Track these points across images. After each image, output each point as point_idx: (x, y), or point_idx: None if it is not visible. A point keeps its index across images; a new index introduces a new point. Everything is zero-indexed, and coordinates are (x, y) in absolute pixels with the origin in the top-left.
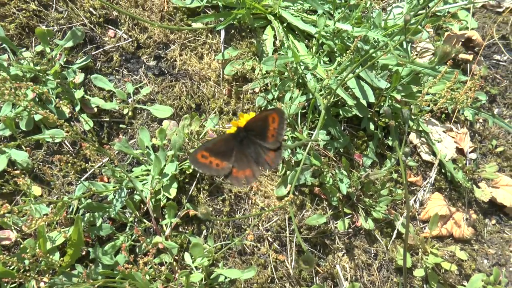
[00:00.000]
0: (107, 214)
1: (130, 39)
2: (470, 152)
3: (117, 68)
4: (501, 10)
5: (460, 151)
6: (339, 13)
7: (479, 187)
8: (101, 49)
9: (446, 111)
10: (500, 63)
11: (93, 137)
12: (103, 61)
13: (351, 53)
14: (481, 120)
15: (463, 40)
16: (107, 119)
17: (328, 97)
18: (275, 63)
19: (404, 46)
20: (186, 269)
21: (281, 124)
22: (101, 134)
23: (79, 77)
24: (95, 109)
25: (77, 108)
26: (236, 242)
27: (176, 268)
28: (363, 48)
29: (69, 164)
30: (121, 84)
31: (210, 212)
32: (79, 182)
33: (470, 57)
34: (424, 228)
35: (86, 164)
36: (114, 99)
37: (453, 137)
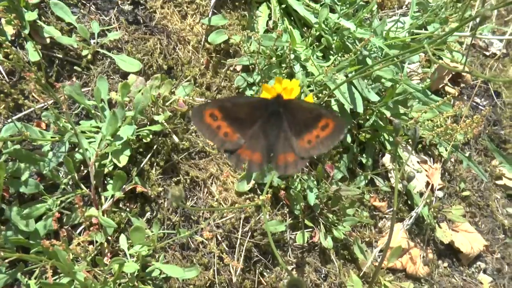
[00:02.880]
0: (37, 168)
1: None
2: (438, 189)
3: (84, 1)
4: (487, 53)
5: (429, 186)
6: (342, 9)
7: (440, 227)
8: None
9: (423, 142)
10: (479, 106)
11: (41, 71)
12: None
13: (354, 54)
14: (452, 160)
15: (454, 73)
16: (60, 55)
17: (321, 95)
18: (275, 43)
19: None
20: (119, 255)
21: (330, 140)
22: (49, 72)
23: None
24: (48, 40)
25: (25, 32)
26: (185, 235)
27: (106, 251)
28: (362, 53)
29: (1, 95)
30: (85, 20)
31: (182, 196)
32: (9, 120)
33: (456, 92)
34: (378, 256)
35: (25, 100)
36: (73, 34)
37: (426, 170)
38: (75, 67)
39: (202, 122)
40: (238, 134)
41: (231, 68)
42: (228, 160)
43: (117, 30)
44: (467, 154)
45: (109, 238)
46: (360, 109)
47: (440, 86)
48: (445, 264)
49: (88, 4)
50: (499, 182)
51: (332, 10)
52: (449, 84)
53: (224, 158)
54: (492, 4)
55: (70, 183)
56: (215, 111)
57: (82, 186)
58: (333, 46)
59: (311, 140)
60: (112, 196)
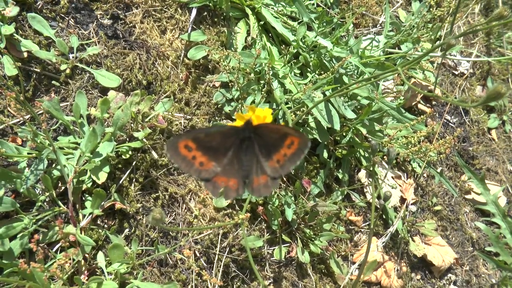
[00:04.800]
0: (12, 185)
1: None
2: (411, 204)
3: (63, 15)
4: (456, 72)
5: (402, 200)
6: (320, 27)
7: (414, 241)
8: None
9: (398, 159)
10: (450, 123)
11: (20, 86)
12: (47, 2)
13: (331, 74)
14: (425, 175)
15: (426, 91)
16: (38, 70)
17: (299, 112)
18: (255, 61)
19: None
20: (96, 273)
21: (296, 156)
22: (26, 86)
23: (12, 10)
24: (25, 54)
25: (1, 46)
26: (164, 252)
27: (84, 268)
28: (339, 71)
29: None
30: (64, 34)
31: (164, 218)
32: None
33: (428, 110)
34: (355, 270)
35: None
36: (52, 49)
37: (400, 185)
38: (53, 82)
39: (177, 154)
40: (214, 162)
41: (210, 84)
42: (205, 188)
43: (96, 45)
44: (439, 170)
45: (86, 255)
46: (337, 126)
47: (413, 104)
48: (418, 277)
49: (67, 18)
50: (468, 196)
51: (310, 28)
52: (421, 101)
53: None
54: (460, 26)
55: (47, 200)
56: (189, 142)
57: (60, 203)
58: (311, 63)
59: (279, 160)
60: (91, 213)
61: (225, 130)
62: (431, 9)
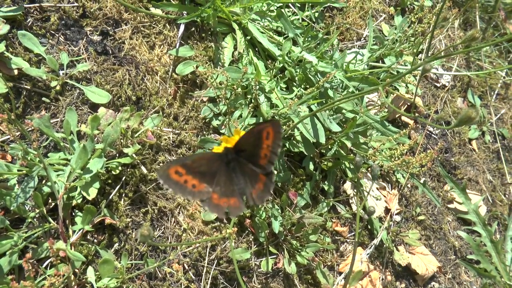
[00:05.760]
0: (2, 202)
1: (76, 4)
2: (395, 214)
3: (53, 32)
4: (438, 85)
5: (387, 211)
6: (305, 42)
7: (398, 250)
8: (37, 4)
9: (382, 171)
10: (432, 135)
11: (11, 104)
12: (37, 19)
13: (316, 89)
14: (409, 185)
15: (409, 104)
16: (28, 87)
17: (285, 127)
18: (242, 77)
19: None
20: (86, 287)
21: (276, 140)
22: (16, 103)
23: (3, 28)
24: (16, 72)
25: None
26: (153, 266)
27: (73, 283)
28: (324, 86)
29: None
30: (54, 51)
31: (152, 235)
32: None
33: (411, 122)
34: (341, 280)
35: None
36: (42, 66)
37: (384, 196)
38: (43, 98)
39: (169, 180)
40: (205, 184)
41: (198, 99)
42: (211, 212)
43: (86, 61)
44: (422, 181)
45: (76, 270)
46: (322, 139)
47: (397, 116)
48: (403, 285)
49: (57, 35)
50: (450, 205)
51: (295, 43)
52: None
53: None
54: (441, 40)
55: (37, 216)
56: (178, 168)
57: (50, 219)
58: (296, 78)
59: (266, 153)
60: (81, 229)
61: (209, 156)
62: (412, 25)
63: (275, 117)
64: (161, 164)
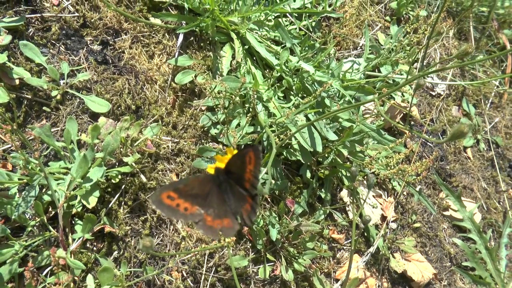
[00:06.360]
0: (3, 211)
1: (77, 14)
2: (392, 221)
3: (54, 42)
4: (433, 93)
5: (383, 218)
6: (302, 52)
7: (394, 257)
8: (39, 15)
9: (378, 179)
10: (428, 143)
11: (13, 113)
12: (38, 29)
13: (313, 98)
14: (405, 193)
15: (404, 112)
16: (29, 96)
17: (282, 136)
18: (240, 86)
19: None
20: None
21: (256, 166)
22: (17, 112)
23: (5, 39)
24: (17, 81)
25: None
26: (153, 273)
27: None
28: (321, 95)
29: None
30: (55, 60)
31: (153, 246)
32: None
33: (407, 131)
34: (338, 287)
35: None
36: (43, 75)
37: (380, 204)
38: (44, 108)
39: (162, 205)
40: (197, 206)
41: (197, 108)
42: (203, 233)
43: (86, 70)
44: (418, 189)
45: (76, 278)
46: (319, 148)
47: (393, 124)
48: None
49: (57, 44)
50: (446, 213)
51: (293, 52)
52: (401, 122)
53: None
54: (436, 49)
55: (37, 224)
56: (170, 193)
57: (50, 227)
58: (294, 87)
59: (249, 177)
60: (81, 237)
61: (201, 178)
62: (407, 35)
63: (273, 126)
64: (159, 173)
